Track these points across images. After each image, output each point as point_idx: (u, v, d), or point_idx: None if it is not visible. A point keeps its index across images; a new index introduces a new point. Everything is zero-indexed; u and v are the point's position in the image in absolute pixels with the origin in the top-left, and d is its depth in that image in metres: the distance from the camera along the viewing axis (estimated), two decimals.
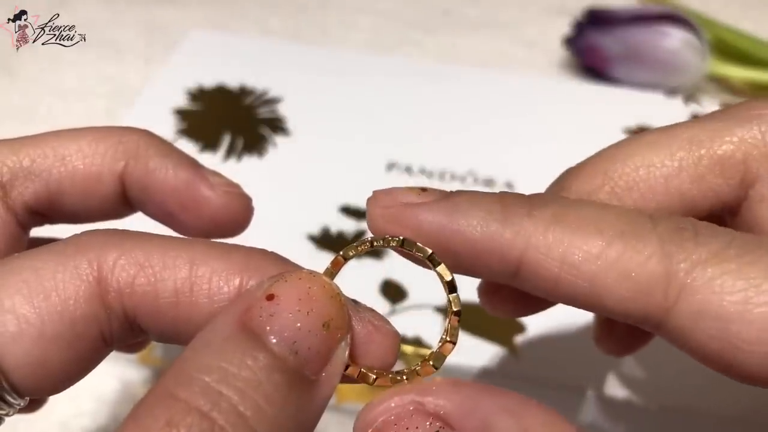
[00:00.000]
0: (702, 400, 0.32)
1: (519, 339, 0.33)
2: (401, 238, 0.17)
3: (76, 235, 0.18)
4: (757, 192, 0.20)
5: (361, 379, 0.17)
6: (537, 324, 0.34)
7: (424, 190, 0.18)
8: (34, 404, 0.26)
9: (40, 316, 0.17)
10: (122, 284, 0.17)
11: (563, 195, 0.21)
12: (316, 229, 0.38)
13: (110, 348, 0.18)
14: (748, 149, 0.20)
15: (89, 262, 0.17)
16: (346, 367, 0.17)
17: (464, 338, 0.33)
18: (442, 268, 0.18)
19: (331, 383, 0.16)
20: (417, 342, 0.33)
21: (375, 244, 0.18)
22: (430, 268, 0.18)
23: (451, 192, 0.18)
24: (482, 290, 0.23)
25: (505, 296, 0.23)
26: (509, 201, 0.18)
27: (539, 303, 0.23)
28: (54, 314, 0.17)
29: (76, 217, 0.23)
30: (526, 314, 0.24)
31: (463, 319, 0.31)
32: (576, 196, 0.21)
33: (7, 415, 0.17)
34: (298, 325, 0.15)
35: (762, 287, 0.15)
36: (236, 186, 0.24)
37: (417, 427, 0.16)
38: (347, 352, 0.16)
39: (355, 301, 0.18)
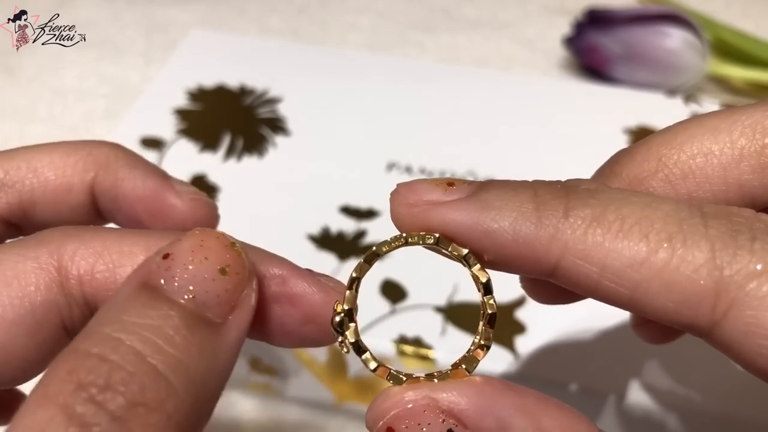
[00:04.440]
0: (711, 402, 0.32)
1: (519, 339, 0.33)
2: (437, 236, 0.17)
3: (37, 232, 0.19)
4: None
5: (392, 380, 0.17)
6: (537, 324, 0.34)
7: (451, 184, 0.17)
8: (8, 414, 0.26)
9: (1, 301, 0.17)
10: (82, 272, 0.18)
11: (614, 181, 0.20)
12: (316, 229, 0.38)
13: (72, 338, 0.19)
14: None
15: (49, 253, 0.18)
16: (376, 368, 0.17)
17: (464, 338, 0.33)
18: (477, 269, 0.17)
19: (239, 326, 0.16)
20: (417, 342, 0.33)
21: (410, 241, 0.17)
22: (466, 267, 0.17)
23: (481, 185, 0.17)
24: (522, 279, 0.22)
25: (547, 286, 0.22)
26: (544, 197, 0.16)
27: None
28: (15, 299, 0.17)
29: (48, 226, 0.24)
30: (569, 302, 0.23)
31: (462, 319, 0.31)
32: (628, 181, 0.20)
33: None
34: (194, 272, 0.16)
35: None
36: (202, 194, 0.25)
37: (429, 424, 0.15)
38: (253, 297, 0.17)
39: (310, 271, 0.19)
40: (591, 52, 0.54)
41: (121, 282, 0.18)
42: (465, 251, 0.17)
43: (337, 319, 0.17)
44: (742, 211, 0.16)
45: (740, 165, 0.19)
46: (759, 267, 0.15)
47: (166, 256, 0.16)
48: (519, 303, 0.35)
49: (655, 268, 0.15)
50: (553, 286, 0.18)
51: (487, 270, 0.17)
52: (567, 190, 0.17)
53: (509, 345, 0.33)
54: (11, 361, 0.18)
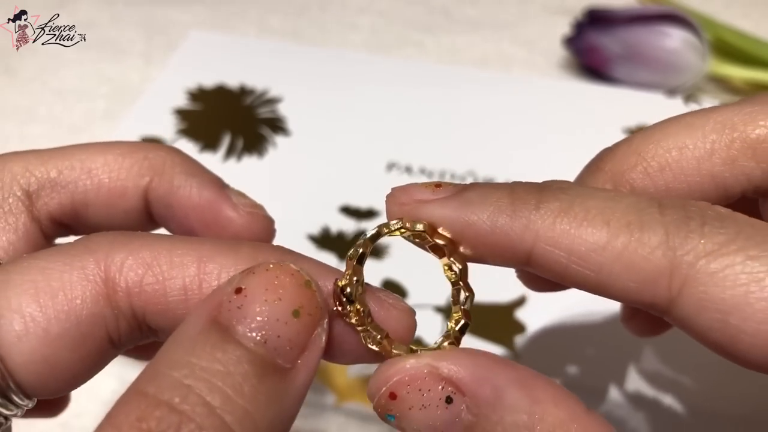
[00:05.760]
0: (708, 400, 0.32)
1: (519, 339, 0.33)
2: (425, 223, 0.18)
3: (84, 237, 0.18)
4: None
5: (396, 350, 0.17)
6: (537, 324, 0.34)
7: (438, 185, 0.19)
8: (53, 408, 0.26)
9: (47, 315, 0.17)
10: (130, 284, 0.17)
11: (597, 175, 0.21)
12: (316, 229, 0.38)
13: (117, 350, 0.18)
14: None
15: (96, 263, 0.17)
16: (380, 342, 0.17)
17: (465, 338, 0.33)
18: (456, 257, 0.18)
19: (307, 370, 0.16)
20: (417, 342, 0.33)
21: (406, 225, 0.18)
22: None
23: (465, 186, 0.19)
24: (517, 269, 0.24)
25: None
26: (519, 194, 0.18)
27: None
28: (60, 313, 0.17)
29: (99, 229, 0.23)
30: (555, 290, 0.24)
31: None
32: (610, 175, 0.21)
33: (14, 415, 0.17)
34: (266, 315, 0.15)
35: (764, 282, 0.15)
36: (259, 207, 0.24)
37: (429, 390, 0.16)
38: (324, 338, 0.16)
39: (367, 284, 0.18)
40: (591, 52, 0.54)
41: (170, 293, 0.17)
42: (447, 236, 0.18)
43: (349, 290, 0.17)
44: (697, 203, 0.17)
45: (712, 158, 0.20)
46: (708, 247, 0.16)
47: (238, 291, 0.15)
48: (519, 303, 0.35)
49: (616, 251, 0.17)
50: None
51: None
52: (540, 188, 0.18)
53: (509, 345, 0.33)
54: (55, 373, 0.17)
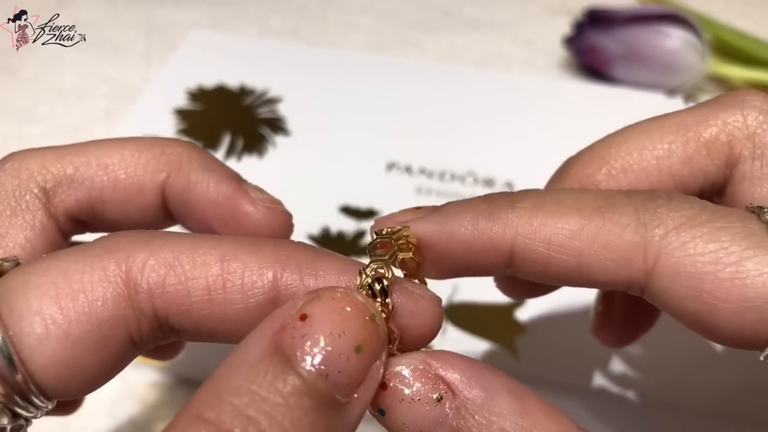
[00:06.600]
0: (706, 398, 0.32)
1: (519, 339, 0.33)
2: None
3: (103, 237, 0.18)
4: (739, 171, 0.21)
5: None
6: (537, 324, 0.34)
7: (418, 208, 0.20)
8: (68, 406, 0.26)
9: (67, 317, 0.17)
10: (152, 285, 0.17)
11: (564, 180, 0.22)
12: (316, 229, 0.38)
13: (139, 350, 0.18)
14: (732, 131, 0.21)
15: (117, 264, 0.17)
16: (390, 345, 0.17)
17: (465, 338, 0.33)
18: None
19: (362, 405, 0.16)
20: None
21: (402, 231, 0.19)
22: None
23: (443, 204, 0.20)
24: (495, 277, 0.25)
25: (515, 280, 0.24)
26: (494, 199, 0.19)
27: (544, 286, 0.24)
28: (81, 315, 0.17)
29: (116, 226, 0.23)
30: (536, 296, 0.26)
31: (462, 319, 0.31)
32: (576, 179, 0.22)
33: (34, 417, 0.17)
34: (330, 348, 0.15)
35: (730, 249, 0.16)
36: (278, 202, 0.24)
37: (421, 385, 0.16)
38: (381, 371, 0.16)
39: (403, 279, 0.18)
40: (591, 52, 0.54)
41: (194, 293, 0.17)
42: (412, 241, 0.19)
43: (386, 282, 0.17)
44: (658, 189, 0.19)
45: (671, 157, 0.21)
46: (676, 220, 0.17)
47: (303, 317, 0.15)
48: (519, 303, 0.35)
49: (592, 233, 0.18)
50: (519, 280, 0.20)
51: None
52: (512, 193, 0.19)
53: (509, 345, 0.33)
54: (76, 375, 0.17)
